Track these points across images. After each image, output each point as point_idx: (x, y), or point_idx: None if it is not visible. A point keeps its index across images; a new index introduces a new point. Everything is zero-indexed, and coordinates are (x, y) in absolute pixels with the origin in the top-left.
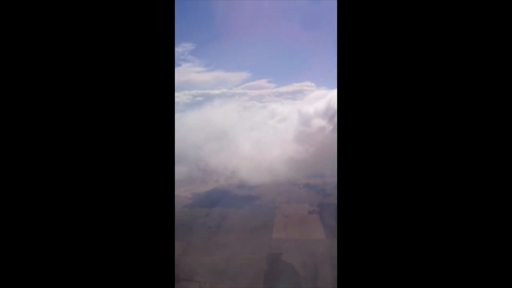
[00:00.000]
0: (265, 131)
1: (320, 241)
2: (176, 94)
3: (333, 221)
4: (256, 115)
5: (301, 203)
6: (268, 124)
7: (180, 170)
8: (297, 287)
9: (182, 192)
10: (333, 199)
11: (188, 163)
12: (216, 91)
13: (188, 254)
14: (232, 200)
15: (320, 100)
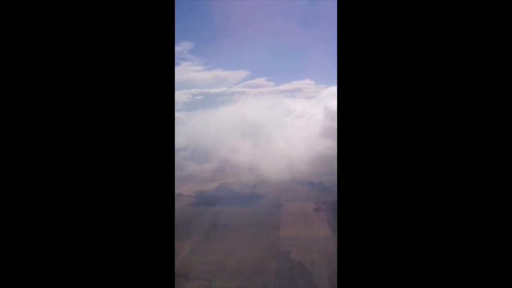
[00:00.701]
0: (288, 127)
1: (327, 238)
2: (175, 93)
3: None
4: (273, 112)
5: (305, 201)
6: (288, 121)
7: (207, 168)
8: (309, 285)
9: (185, 190)
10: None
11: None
12: (216, 90)
13: (196, 253)
14: (235, 198)
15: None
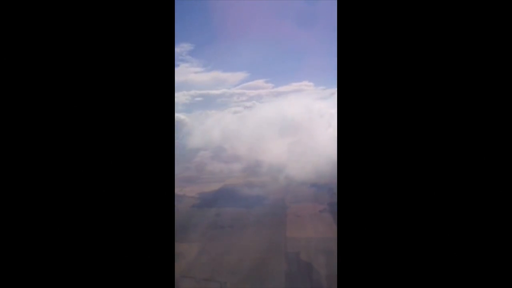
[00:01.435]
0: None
1: (334, 239)
2: (175, 94)
3: None
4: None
5: (310, 202)
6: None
7: (236, 167)
8: (319, 285)
9: (189, 192)
10: None
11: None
12: (216, 91)
13: (204, 254)
14: (239, 200)
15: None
